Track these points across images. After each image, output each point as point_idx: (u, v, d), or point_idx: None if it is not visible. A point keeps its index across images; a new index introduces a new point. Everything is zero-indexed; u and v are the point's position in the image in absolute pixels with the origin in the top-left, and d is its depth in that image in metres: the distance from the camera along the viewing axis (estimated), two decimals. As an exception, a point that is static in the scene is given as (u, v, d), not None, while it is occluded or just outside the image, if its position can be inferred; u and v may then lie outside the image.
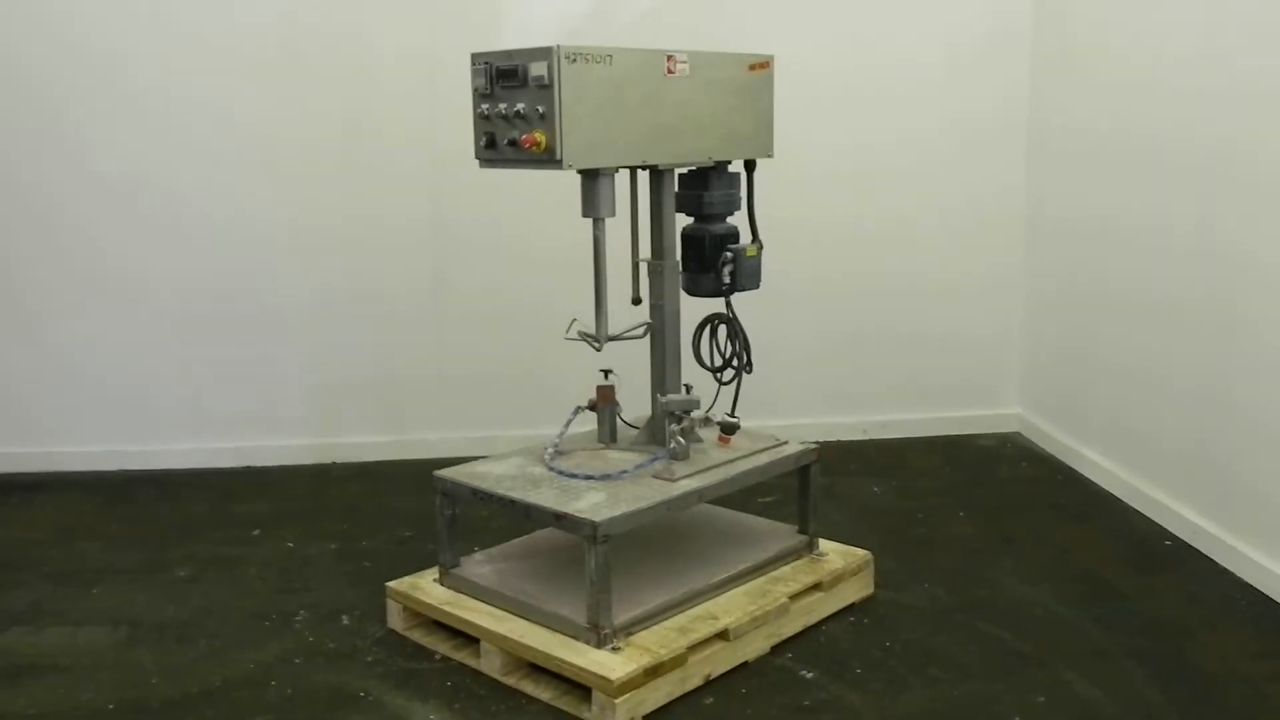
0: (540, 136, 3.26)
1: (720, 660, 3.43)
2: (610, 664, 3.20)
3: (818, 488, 3.96)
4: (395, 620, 3.78)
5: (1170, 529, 4.47)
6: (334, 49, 5.36)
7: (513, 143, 3.33)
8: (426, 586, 3.76)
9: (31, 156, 5.35)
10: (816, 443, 4.00)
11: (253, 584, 4.18)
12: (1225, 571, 4.09)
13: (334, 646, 3.68)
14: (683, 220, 3.88)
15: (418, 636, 3.71)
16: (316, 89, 5.37)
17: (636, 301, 3.92)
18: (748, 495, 4.33)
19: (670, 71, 3.51)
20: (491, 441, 4.99)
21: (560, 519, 3.34)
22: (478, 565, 3.79)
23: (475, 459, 3.90)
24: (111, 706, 3.32)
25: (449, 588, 3.73)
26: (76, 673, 3.53)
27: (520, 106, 3.31)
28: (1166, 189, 4.48)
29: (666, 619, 3.46)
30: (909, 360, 5.81)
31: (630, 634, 3.35)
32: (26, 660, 3.61)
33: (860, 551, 4.00)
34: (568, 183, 3.62)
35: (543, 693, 3.34)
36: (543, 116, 3.26)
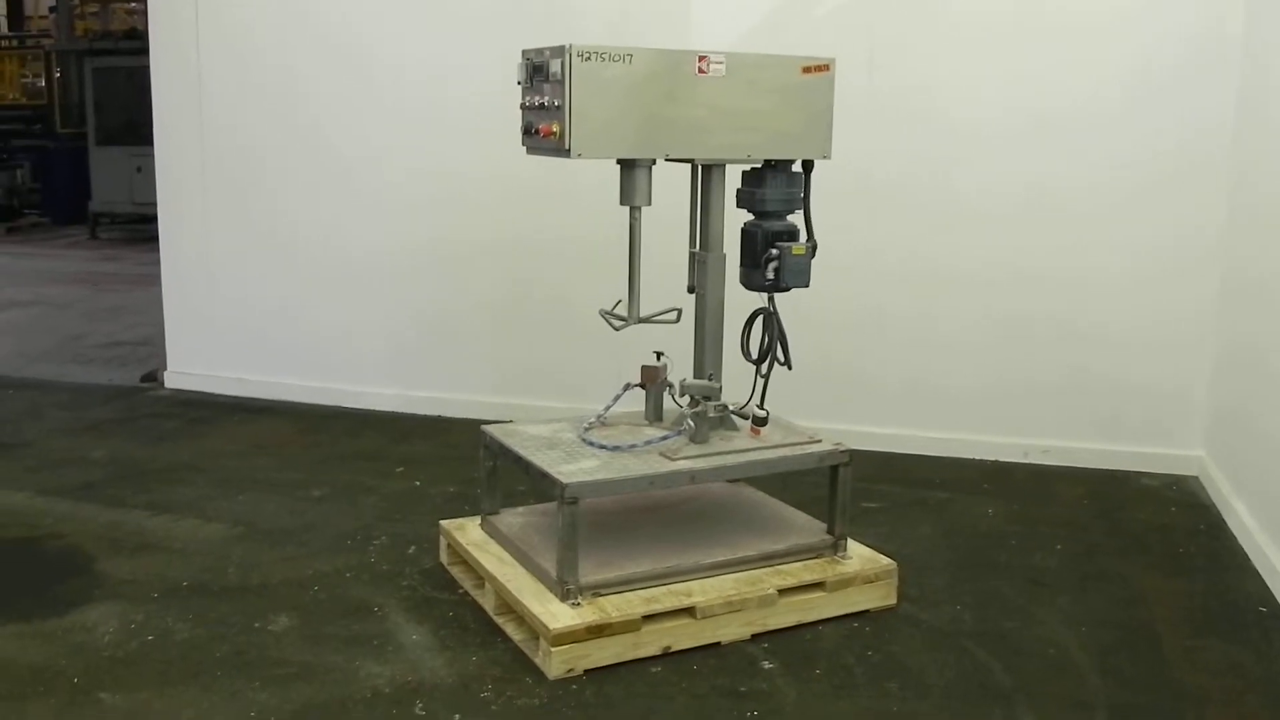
0: (555, 127, 3.55)
1: (683, 635, 3.58)
2: (559, 616, 3.46)
3: (848, 490, 3.95)
4: (443, 554, 4.22)
5: (1276, 595, 4.01)
6: (536, 26, 5.69)
7: (537, 130, 3.64)
8: (469, 529, 4.16)
9: (275, 140, 6.32)
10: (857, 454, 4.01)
11: (363, 510, 4.77)
12: (1305, 648, 3.66)
13: (386, 569, 4.18)
14: (745, 216, 4.02)
15: (456, 572, 4.12)
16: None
17: (691, 289, 4.10)
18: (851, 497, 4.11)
19: (702, 71, 3.68)
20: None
21: (543, 478, 3.63)
22: (511, 516, 4.15)
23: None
24: (185, 584, 4.01)
25: (485, 532, 4.11)
26: (180, 555, 4.26)
27: (544, 99, 3.62)
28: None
29: (643, 588, 3.65)
30: (1092, 387, 5.47)
31: (599, 594, 3.58)
32: (154, 540, 4.41)
33: (885, 561, 3.95)
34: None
35: (516, 634, 3.65)
36: (558, 108, 3.55)
